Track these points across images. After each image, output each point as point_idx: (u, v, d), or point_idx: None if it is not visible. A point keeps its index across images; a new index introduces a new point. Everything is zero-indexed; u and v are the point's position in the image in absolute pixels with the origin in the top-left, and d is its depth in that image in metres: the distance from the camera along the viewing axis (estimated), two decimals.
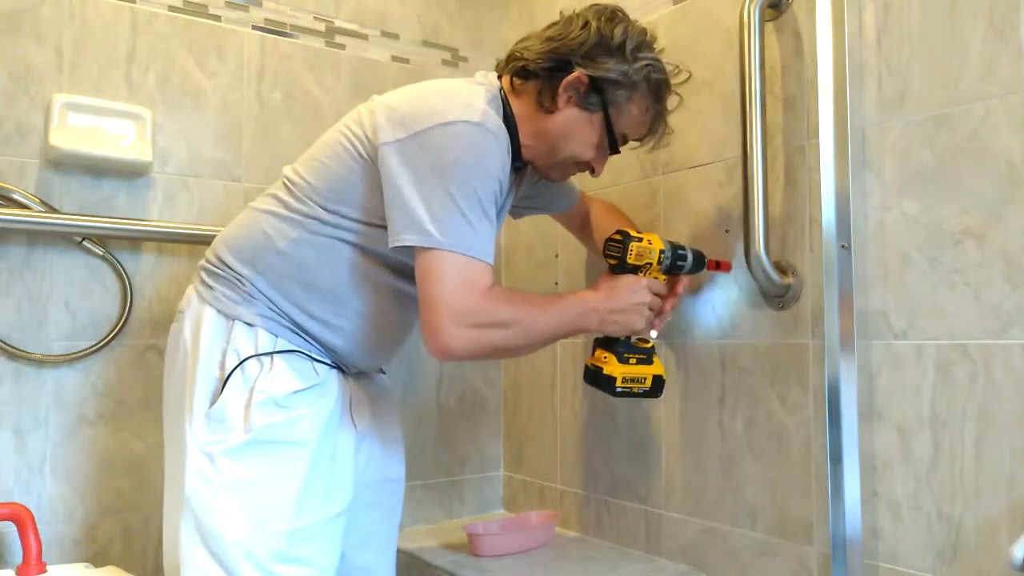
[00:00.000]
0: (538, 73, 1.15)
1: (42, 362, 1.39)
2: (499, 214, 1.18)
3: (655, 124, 1.24)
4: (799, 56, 1.31)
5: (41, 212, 1.37)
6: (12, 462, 1.37)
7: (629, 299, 1.18)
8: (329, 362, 1.16)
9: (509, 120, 1.16)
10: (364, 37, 1.78)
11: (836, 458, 1.15)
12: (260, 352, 1.08)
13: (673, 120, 1.27)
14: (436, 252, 1.02)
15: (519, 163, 1.19)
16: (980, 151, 1.08)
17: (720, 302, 1.41)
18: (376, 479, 1.27)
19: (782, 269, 1.30)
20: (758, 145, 1.25)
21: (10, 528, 1.30)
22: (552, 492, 1.78)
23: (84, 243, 1.43)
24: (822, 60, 1.19)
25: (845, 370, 1.16)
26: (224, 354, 1.08)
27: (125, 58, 1.50)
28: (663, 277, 1.26)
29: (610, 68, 1.13)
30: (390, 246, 1.06)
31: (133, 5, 1.51)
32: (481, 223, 1.05)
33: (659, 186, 1.54)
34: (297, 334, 1.13)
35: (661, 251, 1.23)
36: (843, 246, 1.18)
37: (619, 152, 1.23)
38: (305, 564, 1.07)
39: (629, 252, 1.20)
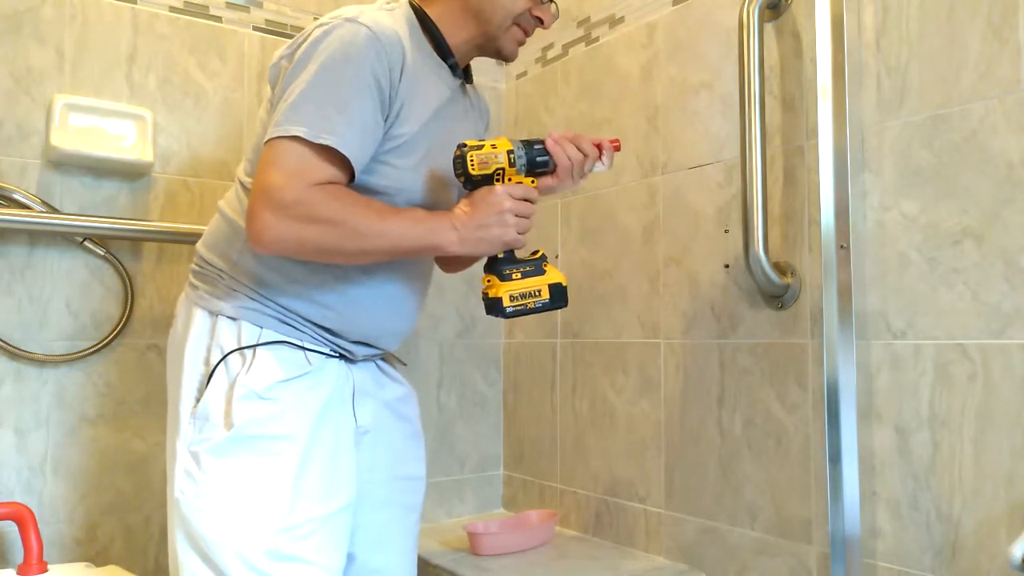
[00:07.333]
0: None
1: (43, 362, 1.40)
2: (401, 113, 1.10)
3: None
4: (798, 57, 1.31)
5: (42, 212, 1.37)
6: (13, 461, 1.37)
7: (487, 211, 1.06)
8: (327, 350, 1.12)
9: (432, 29, 1.14)
10: None
11: (835, 458, 1.16)
12: (243, 345, 1.06)
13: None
14: (278, 140, 0.98)
15: (452, 59, 1.16)
16: (979, 151, 1.08)
17: (719, 302, 1.41)
18: (387, 476, 1.21)
19: (781, 269, 1.30)
20: (757, 145, 1.26)
21: (11, 527, 1.31)
22: (552, 491, 1.78)
23: (85, 243, 1.44)
24: (821, 61, 1.20)
25: (844, 370, 1.17)
26: (209, 351, 1.07)
27: (126, 59, 1.50)
28: (529, 180, 1.12)
29: None
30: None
31: (134, 6, 1.51)
32: (341, 112, 0.99)
33: (658, 186, 1.54)
34: (285, 322, 1.09)
35: (509, 151, 1.10)
36: (842, 246, 1.18)
37: None
38: (304, 562, 1.04)
39: (470, 163, 1.07)
